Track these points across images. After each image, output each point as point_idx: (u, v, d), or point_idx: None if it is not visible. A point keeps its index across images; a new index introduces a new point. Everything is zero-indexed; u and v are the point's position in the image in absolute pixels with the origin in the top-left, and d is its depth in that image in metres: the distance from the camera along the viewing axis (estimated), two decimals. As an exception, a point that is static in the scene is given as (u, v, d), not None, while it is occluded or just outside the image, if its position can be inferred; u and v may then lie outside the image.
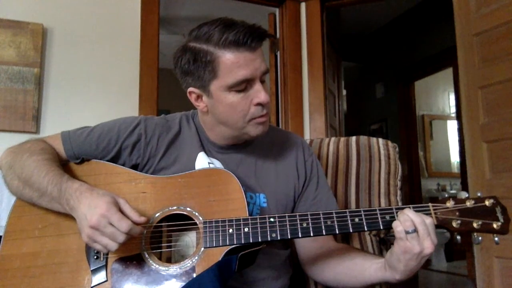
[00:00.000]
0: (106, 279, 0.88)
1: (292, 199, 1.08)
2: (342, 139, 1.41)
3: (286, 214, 0.89)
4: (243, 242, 0.87)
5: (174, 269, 0.87)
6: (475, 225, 0.83)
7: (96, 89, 2.14)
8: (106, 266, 0.89)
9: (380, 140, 1.38)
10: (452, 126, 5.35)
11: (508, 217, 0.83)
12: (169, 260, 0.93)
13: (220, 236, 0.88)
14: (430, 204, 0.86)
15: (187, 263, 0.87)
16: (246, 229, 0.87)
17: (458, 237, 0.86)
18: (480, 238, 0.84)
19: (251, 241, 0.87)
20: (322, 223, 0.87)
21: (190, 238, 0.94)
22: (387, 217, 0.86)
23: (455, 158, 5.29)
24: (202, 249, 0.88)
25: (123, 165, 1.02)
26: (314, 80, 2.70)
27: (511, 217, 0.84)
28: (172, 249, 0.94)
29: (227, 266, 0.84)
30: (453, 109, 5.11)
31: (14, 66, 1.97)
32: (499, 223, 0.82)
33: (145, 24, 2.28)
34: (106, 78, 2.17)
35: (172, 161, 1.03)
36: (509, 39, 1.91)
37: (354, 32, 4.86)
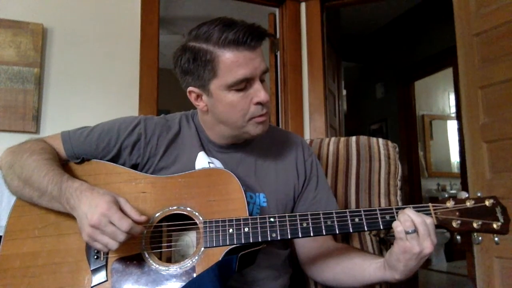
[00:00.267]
0: (106, 279, 0.88)
1: (292, 198, 1.08)
2: (342, 139, 1.41)
3: (286, 214, 0.89)
4: (243, 242, 0.87)
5: (174, 269, 0.87)
6: (475, 225, 0.83)
7: (96, 89, 2.14)
8: (106, 266, 0.89)
9: (380, 140, 1.38)
10: (452, 126, 5.35)
11: (508, 217, 0.83)
12: (169, 260, 0.93)
13: (220, 236, 0.88)
14: (430, 204, 0.86)
15: (187, 263, 0.87)
16: (246, 229, 0.87)
17: (458, 237, 0.86)
18: (480, 238, 0.84)
19: (251, 241, 0.87)
20: (322, 223, 0.87)
21: (190, 238, 0.94)
22: (387, 217, 0.86)
23: (455, 158, 5.29)
24: (202, 249, 0.88)
25: (123, 164, 1.02)
26: (314, 80, 2.70)
27: (511, 217, 0.84)
28: (172, 249, 0.94)
29: (227, 266, 0.85)
30: (453, 109, 5.10)
31: (14, 66, 1.97)
32: (499, 223, 0.83)
33: (145, 24, 2.27)
34: (106, 78, 2.17)
35: (172, 160, 1.03)
36: (509, 39, 1.91)
37: (354, 32, 4.86)
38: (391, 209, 0.87)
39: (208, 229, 0.89)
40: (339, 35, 3.51)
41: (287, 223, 0.87)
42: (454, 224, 0.84)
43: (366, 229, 0.86)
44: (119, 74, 2.20)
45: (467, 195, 0.86)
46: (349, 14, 4.10)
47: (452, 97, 5.06)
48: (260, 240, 0.87)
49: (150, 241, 0.91)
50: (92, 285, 0.87)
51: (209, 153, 1.05)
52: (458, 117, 3.90)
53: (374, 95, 5.16)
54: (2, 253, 0.92)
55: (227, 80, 0.91)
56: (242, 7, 2.72)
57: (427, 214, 0.84)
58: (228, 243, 0.87)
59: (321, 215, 0.87)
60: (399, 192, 1.33)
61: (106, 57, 2.18)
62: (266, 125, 0.99)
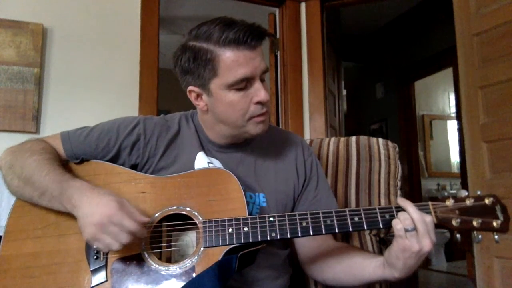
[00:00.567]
0: (106, 279, 0.88)
1: (291, 198, 1.08)
2: (342, 139, 1.41)
3: (286, 214, 0.89)
4: (242, 242, 0.87)
5: (174, 269, 0.87)
6: (475, 223, 0.83)
7: (96, 89, 2.14)
8: (106, 266, 0.89)
9: (380, 140, 1.38)
10: (452, 126, 5.35)
11: (508, 216, 0.83)
12: (169, 260, 0.93)
13: (220, 235, 0.88)
14: (429, 203, 0.86)
15: (187, 263, 0.87)
16: (245, 229, 0.87)
17: (458, 236, 0.85)
18: (480, 236, 0.83)
19: (250, 240, 0.87)
20: (322, 222, 0.87)
21: (190, 237, 0.94)
22: (387, 216, 0.86)
23: (455, 158, 5.29)
24: (202, 248, 0.88)
25: (123, 165, 1.02)
26: (314, 80, 2.70)
27: (511, 216, 0.84)
28: (172, 249, 0.94)
29: (227, 266, 0.85)
30: (453, 109, 5.10)
31: (14, 66, 1.97)
32: (499, 221, 0.82)
33: (145, 24, 2.27)
34: (106, 78, 2.17)
35: (171, 160, 1.03)
36: (509, 39, 1.91)
37: (354, 32, 4.86)
38: (391, 208, 0.87)
39: (207, 229, 0.89)
40: (339, 35, 3.51)
41: (287, 222, 0.87)
42: (454, 223, 0.84)
43: (365, 228, 0.86)
44: (119, 74, 2.20)
45: (466, 194, 0.86)
46: (349, 14, 4.10)
47: (452, 97, 5.06)
48: (259, 239, 0.87)
49: (150, 241, 0.91)
50: (92, 285, 0.87)
51: (208, 153, 1.05)
52: (458, 117, 3.90)
53: (374, 95, 5.16)
54: (2, 253, 0.92)
55: (227, 79, 0.91)
56: (242, 7, 2.72)
57: (426, 212, 0.84)
58: (227, 243, 0.87)
59: (321, 214, 0.87)
60: (399, 192, 1.33)
61: (106, 57, 2.18)
62: (266, 125, 0.99)
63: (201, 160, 1.02)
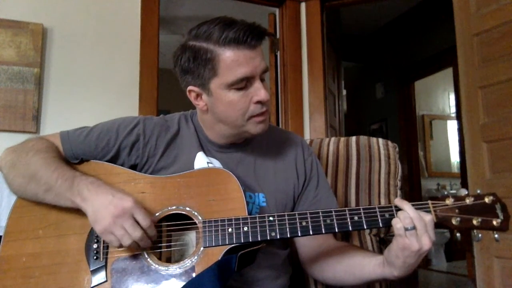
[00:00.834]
0: (106, 279, 0.88)
1: (291, 198, 1.08)
2: (342, 139, 1.41)
3: (285, 213, 0.89)
4: (242, 241, 0.87)
5: (174, 268, 0.87)
6: (475, 222, 0.83)
7: (96, 89, 2.14)
8: (106, 266, 0.89)
9: (380, 140, 1.38)
10: (452, 126, 5.35)
11: (508, 214, 0.83)
12: (168, 259, 0.93)
13: (220, 235, 0.88)
14: (429, 202, 0.86)
15: (187, 263, 0.87)
16: (245, 228, 0.87)
17: (458, 235, 0.85)
18: (480, 235, 0.83)
19: (250, 240, 0.87)
20: (322, 221, 0.87)
21: (189, 237, 0.94)
22: (387, 215, 0.86)
23: (455, 158, 5.29)
24: (202, 248, 0.88)
25: (122, 165, 1.02)
26: (314, 80, 2.70)
27: (511, 214, 0.83)
28: (172, 248, 0.94)
29: (227, 266, 0.84)
30: (453, 109, 5.10)
31: (14, 66, 1.97)
32: (499, 220, 0.82)
33: (145, 24, 2.27)
34: (106, 78, 2.17)
35: (171, 161, 1.03)
36: (509, 39, 1.91)
37: (354, 32, 4.86)
38: (390, 207, 0.86)
39: (207, 229, 0.89)
40: (339, 35, 3.51)
41: (286, 222, 0.87)
42: (454, 222, 0.84)
43: (365, 227, 0.86)
44: (119, 74, 2.20)
45: (466, 192, 0.86)
46: (349, 14, 4.10)
47: (452, 97, 5.06)
48: (259, 239, 0.87)
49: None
50: (92, 285, 0.87)
51: (208, 153, 1.05)
52: (458, 117, 3.90)
53: (374, 95, 5.16)
54: (2, 254, 0.92)
55: (227, 79, 0.91)
56: (242, 7, 2.72)
57: (426, 211, 0.84)
58: (227, 243, 0.87)
59: (320, 214, 0.87)
60: (399, 192, 1.33)
61: (106, 57, 2.18)
62: (266, 124, 0.99)
63: (201, 160, 1.02)
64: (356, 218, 0.86)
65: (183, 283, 0.85)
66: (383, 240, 1.31)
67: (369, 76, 5.31)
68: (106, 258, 0.90)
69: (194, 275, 0.85)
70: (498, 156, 1.93)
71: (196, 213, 0.91)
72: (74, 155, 1.01)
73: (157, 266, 0.88)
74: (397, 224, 0.82)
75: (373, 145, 1.36)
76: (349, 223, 0.86)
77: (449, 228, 0.85)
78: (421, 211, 0.83)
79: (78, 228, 0.92)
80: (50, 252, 0.91)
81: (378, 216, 0.86)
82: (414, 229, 0.80)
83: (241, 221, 0.88)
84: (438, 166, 5.26)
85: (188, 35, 0.94)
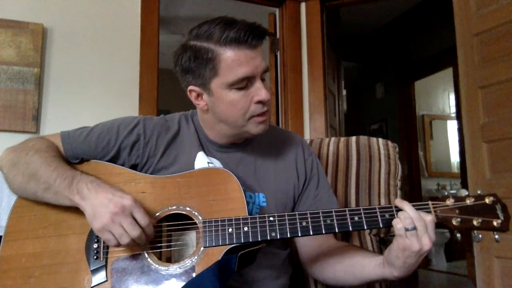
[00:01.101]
0: (106, 279, 0.88)
1: (292, 198, 1.08)
2: (342, 139, 1.41)
3: (286, 213, 0.89)
4: (242, 241, 0.87)
5: (174, 268, 0.87)
6: (475, 222, 0.83)
7: (96, 89, 2.14)
8: (106, 266, 0.89)
9: (380, 140, 1.38)
10: (452, 126, 5.35)
11: (508, 215, 0.83)
12: (169, 259, 0.93)
13: (220, 235, 0.88)
14: (430, 202, 0.86)
15: (187, 263, 0.87)
16: (245, 228, 0.87)
17: (458, 235, 0.85)
18: (480, 236, 0.83)
19: (250, 240, 0.87)
20: (322, 221, 0.87)
21: (189, 237, 0.94)
22: (387, 215, 0.86)
23: (455, 158, 5.29)
24: (202, 248, 0.88)
25: (123, 165, 1.02)
26: (314, 80, 2.70)
27: (511, 215, 0.83)
28: (172, 248, 0.94)
29: (227, 266, 0.84)
30: (453, 109, 5.10)
31: (14, 66, 1.97)
32: (499, 221, 0.82)
33: (145, 24, 2.27)
34: (106, 78, 2.17)
35: (171, 161, 1.03)
36: (509, 39, 1.91)
37: (354, 32, 4.86)
38: (391, 207, 0.86)
39: (207, 229, 0.89)
40: (339, 35, 3.51)
41: (287, 222, 0.87)
42: (454, 222, 0.84)
43: (365, 228, 0.86)
44: (119, 74, 2.20)
45: (467, 193, 0.86)
46: (349, 14, 4.10)
47: (452, 97, 5.06)
48: (259, 239, 0.87)
49: (150, 241, 0.91)
50: (92, 285, 0.87)
51: (208, 153, 1.05)
52: (458, 117, 3.90)
53: (374, 95, 5.16)
54: (2, 253, 0.92)
55: (228, 78, 0.91)
56: (242, 7, 2.72)
57: (427, 212, 0.84)
58: (227, 243, 0.87)
59: (321, 214, 0.87)
60: (399, 192, 1.33)
61: (106, 57, 2.18)
62: (266, 124, 0.99)
63: (201, 160, 1.02)
64: (356, 218, 0.86)
65: (183, 283, 0.85)
66: (383, 240, 1.31)
67: (369, 76, 5.31)
68: (106, 258, 0.90)
69: (194, 275, 0.85)
70: (498, 156, 1.93)
71: (196, 213, 0.91)
72: (74, 155, 1.01)
73: (157, 266, 0.88)
74: (398, 224, 0.82)
75: (373, 145, 1.36)
76: (349, 223, 0.86)
77: (449, 229, 0.85)
78: (421, 211, 0.83)
79: (78, 228, 0.92)
80: (50, 252, 0.91)
81: (379, 216, 0.86)
82: (414, 230, 0.80)
83: (241, 221, 0.88)
84: (438, 166, 5.27)
85: (189, 34, 0.94)
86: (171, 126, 1.07)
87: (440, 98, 5.37)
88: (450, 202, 0.85)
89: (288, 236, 0.87)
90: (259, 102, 0.94)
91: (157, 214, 0.92)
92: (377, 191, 1.32)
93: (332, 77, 3.08)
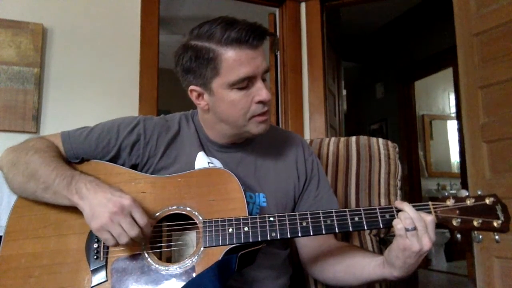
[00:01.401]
0: (106, 279, 0.88)
1: (292, 198, 1.08)
2: (342, 139, 1.41)
3: (286, 214, 0.89)
4: (243, 242, 0.87)
5: (174, 268, 0.87)
6: (475, 223, 0.83)
7: (96, 89, 2.14)
8: (106, 266, 0.89)
9: (380, 140, 1.38)
10: (452, 126, 5.35)
11: (508, 215, 0.83)
12: (169, 259, 0.93)
13: (220, 235, 0.88)
14: (430, 203, 0.86)
15: (187, 263, 0.87)
16: (246, 229, 0.87)
17: (459, 236, 0.85)
18: (480, 236, 0.83)
19: (251, 240, 0.87)
20: (322, 222, 0.87)
21: (190, 237, 0.94)
22: (387, 215, 0.86)
23: (455, 158, 5.29)
24: (202, 248, 0.88)
25: (123, 165, 1.02)
26: (314, 80, 2.70)
27: (511, 216, 0.84)
28: (172, 248, 0.94)
29: (227, 266, 0.84)
30: (453, 109, 5.11)
31: (14, 66, 1.97)
32: (500, 221, 0.82)
33: (145, 24, 2.27)
34: (106, 78, 2.17)
35: (171, 160, 1.03)
36: (509, 39, 1.91)
37: (354, 32, 4.86)
38: (391, 208, 0.87)
39: (207, 229, 0.89)
40: (339, 35, 3.51)
41: (287, 222, 0.87)
42: (454, 223, 0.84)
43: (366, 228, 0.86)
44: (119, 74, 2.20)
45: (467, 194, 0.86)
46: (349, 14, 4.10)
47: (452, 97, 5.06)
48: (259, 239, 0.87)
49: (150, 241, 0.91)
50: (92, 285, 0.87)
51: (208, 153, 1.05)
52: (458, 117, 3.90)
53: (374, 95, 5.16)
54: (2, 253, 0.92)
55: (229, 78, 0.91)
56: (242, 7, 2.72)
57: (427, 212, 0.84)
58: (227, 243, 0.87)
59: (321, 214, 0.87)
60: (399, 192, 1.33)
61: (106, 57, 2.18)
62: (267, 124, 0.99)
63: (202, 160, 1.02)
64: (356, 218, 0.86)
65: (183, 283, 0.85)
66: (383, 240, 1.31)
67: (369, 76, 5.31)
68: (107, 258, 0.89)
69: (194, 275, 0.85)
70: (498, 156, 1.93)
71: (196, 213, 0.91)
72: (74, 155, 1.01)
73: (157, 266, 0.88)
74: (398, 224, 0.82)
75: (373, 145, 1.36)
76: (350, 223, 0.86)
77: (449, 229, 0.85)
78: (421, 211, 0.83)
79: (78, 228, 0.92)
80: (50, 251, 0.91)
81: (379, 217, 0.86)
82: (414, 230, 0.80)
83: (241, 221, 0.88)
84: (438, 166, 5.27)
85: (190, 34, 0.94)
86: (171, 126, 1.07)
87: (440, 98, 5.37)
88: (450, 202, 0.85)
89: (289, 236, 0.87)
90: (260, 102, 0.94)
91: (157, 214, 0.92)
92: (377, 191, 1.32)
93: (332, 77, 3.08)
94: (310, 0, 2.77)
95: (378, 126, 5.10)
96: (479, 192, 0.86)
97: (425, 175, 5.06)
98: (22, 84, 1.98)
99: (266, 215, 0.88)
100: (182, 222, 0.92)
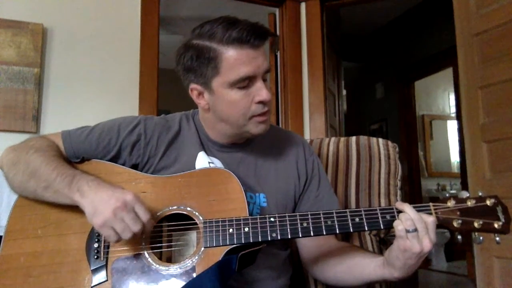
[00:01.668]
0: (106, 278, 0.88)
1: (292, 198, 1.08)
2: (342, 139, 1.41)
3: (286, 214, 0.89)
4: (243, 242, 0.87)
5: (174, 268, 0.87)
6: (476, 224, 0.83)
7: (96, 89, 2.14)
8: (106, 265, 0.89)
9: (380, 140, 1.38)
10: (452, 126, 5.35)
11: (509, 217, 0.83)
12: (169, 259, 0.93)
13: (220, 235, 0.88)
14: (430, 204, 0.86)
15: (187, 263, 0.87)
16: (246, 229, 0.87)
17: (459, 237, 0.85)
18: (481, 238, 0.83)
19: (251, 240, 0.87)
20: (323, 222, 0.87)
21: (190, 237, 0.94)
22: (388, 216, 0.86)
23: (455, 158, 5.30)
24: (202, 248, 0.88)
25: (123, 164, 1.02)
26: (314, 80, 2.70)
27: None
28: (172, 248, 0.94)
29: (227, 266, 0.84)
30: (453, 109, 5.11)
31: (14, 66, 1.97)
32: (500, 223, 0.82)
33: (145, 24, 2.27)
34: (106, 78, 2.17)
35: (172, 160, 1.03)
36: (509, 39, 1.91)
37: (354, 32, 4.86)
38: (392, 208, 0.87)
39: (208, 229, 0.88)
40: (339, 35, 3.51)
41: (287, 223, 0.87)
42: (455, 224, 0.84)
43: (366, 229, 0.86)
44: (119, 74, 2.20)
45: (468, 195, 0.86)
46: (349, 14, 4.10)
47: (452, 97, 5.06)
48: (260, 240, 0.87)
49: (150, 241, 0.91)
50: (92, 285, 0.87)
51: (209, 153, 1.05)
52: (458, 117, 3.90)
53: (374, 95, 5.16)
54: (2, 253, 0.92)
55: (229, 77, 0.91)
56: (242, 7, 2.72)
57: (428, 213, 0.84)
58: (228, 243, 0.87)
59: (321, 215, 0.87)
60: (399, 192, 1.33)
61: (106, 57, 2.18)
62: (267, 125, 0.99)
63: (202, 160, 1.02)
64: (357, 219, 0.86)
65: (184, 283, 0.85)
66: (383, 240, 1.31)
67: (369, 76, 5.31)
68: (107, 258, 0.89)
69: (194, 275, 0.85)
70: (498, 156, 1.93)
71: (197, 213, 0.91)
72: (75, 154, 1.01)
73: (157, 266, 0.88)
74: (399, 226, 0.82)
75: (373, 145, 1.36)
76: (350, 224, 0.86)
77: (450, 230, 0.85)
78: (422, 213, 0.83)
79: (78, 228, 0.92)
80: (51, 251, 0.91)
81: (379, 217, 0.86)
82: (415, 231, 0.80)
83: (242, 222, 0.88)
84: (438, 166, 5.27)
85: (192, 34, 0.95)
86: (172, 126, 1.07)
87: (440, 98, 5.37)
88: (451, 203, 0.85)
89: (289, 237, 0.87)
90: (260, 102, 0.94)
91: (157, 214, 0.92)
92: (377, 191, 1.32)
93: (332, 77, 3.08)
94: (310, 0, 2.77)
95: (378, 126, 5.10)
96: (480, 193, 0.86)
97: (425, 175, 5.06)
98: (22, 84, 1.98)
99: (267, 216, 0.88)
100: (183, 222, 0.92)
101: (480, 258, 1.99)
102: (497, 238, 0.83)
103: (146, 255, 0.89)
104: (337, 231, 0.87)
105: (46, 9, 2.10)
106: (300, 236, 0.87)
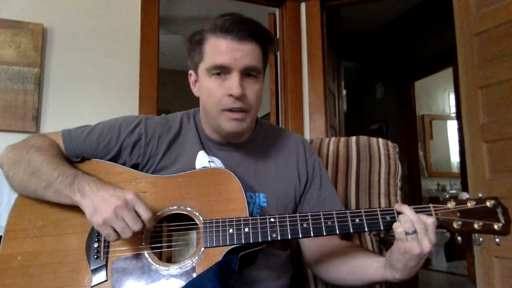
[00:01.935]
0: (106, 278, 0.88)
1: (292, 198, 1.08)
2: (342, 139, 1.41)
3: (287, 215, 0.88)
4: (243, 242, 0.87)
5: (174, 269, 0.87)
6: (476, 226, 0.83)
7: (96, 89, 2.14)
8: (106, 265, 0.89)
9: (380, 140, 1.38)
10: (452, 126, 5.35)
11: (509, 218, 0.83)
12: (169, 260, 0.93)
13: (221, 236, 0.88)
14: (431, 205, 0.86)
15: (187, 263, 0.87)
16: (246, 229, 0.87)
17: (459, 238, 0.85)
18: (481, 239, 0.83)
19: (251, 241, 0.87)
20: (323, 223, 0.87)
21: (190, 238, 0.94)
22: (388, 217, 0.86)
23: (455, 158, 5.30)
24: (202, 249, 0.88)
25: (124, 164, 1.02)
26: (314, 80, 2.70)
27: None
28: (172, 249, 0.94)
29: (227, 266, 0.84)
30: (453, 109, 5.11)
31: (14, 66, 1.97)
32: (500, 224, 0.82)
33: (145, 24, 2.27)
34: (106, 78, 2.17)
35: (172, 160, 1.03)
36: (509, 39, 1.91)
37: (354, 32, 4.86)
38: (392, 209, 0.86)
39: (208, 229, 0.88)
40: (339, 35, 3.51)
41: (287, 223, 0.87)
42: (455, 225, 0.84)
43: (366, 230, 0.86)
44: (119, 74, 2.20)
45: (468, 196, 0.86)
46: (349, 14, 4.10)
47: (452, 97, 5.07)
48: (260, 240, 0.87)
49: (150, 241, 0.91)
50: (92, 284, 0.87)
51: (209, 152, 1.05)
52: (458, 117, 3.90)
53: (374, 95, 5.16)
54: (2, 252, 0.92)
55: (207, 63, 0.94)
56: (242, 7, 2.71)
57: (428, 214, 0.84)
58: (228, 243, 0.87)
59: (322, 216, 0.87)
60: (399, 192, 1.33)
61: (106, 57, 2.18)
62: (241, 124, 0.97)
63: (202, 160, 1.02)
64: (357, 220, 0.86)
65: (184, 283, 0.85)
66: (384, 240, 1.31)
67: (369, 76, 5.31)
68: (107, 258, 0.89)
69: (194, 275, 0.85)
70: (498, 156, 1.93)
71: (197, 213, 0.91)
72: (75, 153, 1.01)
73: (157, 266, 0.88)
74: (398, 228, 0.82)
75: (373, 145, 1.36)
76: (350, 225, 0.86)
77: (450, 231, 0.85)
78: (422, 214, 0.83)
79: (78, 227, 0.92)
80: (51, 251, 0.91)
81: (380, 218, 0.86)
82: (415, 233, 0.80)
83: (242, 222, 0.88)
84: (438, 166, 5.27)
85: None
86: (172, 126, 1.07)
87: (440, 98, 5.37)
88: (451, 205, 0.85)
89: (289, 237, 0.87)
90: (230, 96, 0.94)
91: (157, 214, 0.92)
92: (377, 191, 1.32)
93: (332, 77, 3.08)
94: (310, 0, 2.77)
95: (378, 126, 5.10)
96: (480, 194, 0.86)
97: (425, 175, 5.06)
98: (22, 84, 1.98)
99: (267, 216, 0.88)
100: (183, 222, 0.92)
101: (480, 258, 1.99)
102: (497, 240, 0.83)
103: (146, 255, 0.89)
104: (337, 232, 0.87)
105: (46, 9, 2.10)
106: (300, 236, 0.87)
